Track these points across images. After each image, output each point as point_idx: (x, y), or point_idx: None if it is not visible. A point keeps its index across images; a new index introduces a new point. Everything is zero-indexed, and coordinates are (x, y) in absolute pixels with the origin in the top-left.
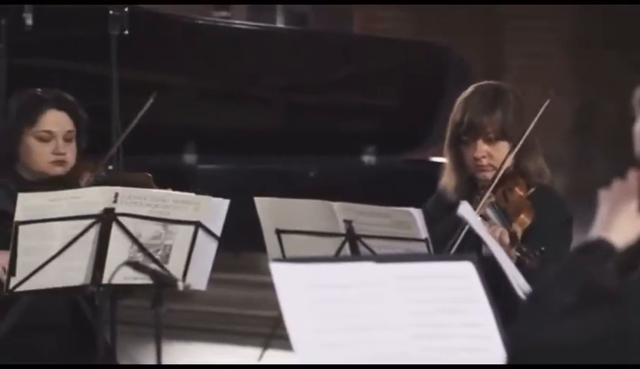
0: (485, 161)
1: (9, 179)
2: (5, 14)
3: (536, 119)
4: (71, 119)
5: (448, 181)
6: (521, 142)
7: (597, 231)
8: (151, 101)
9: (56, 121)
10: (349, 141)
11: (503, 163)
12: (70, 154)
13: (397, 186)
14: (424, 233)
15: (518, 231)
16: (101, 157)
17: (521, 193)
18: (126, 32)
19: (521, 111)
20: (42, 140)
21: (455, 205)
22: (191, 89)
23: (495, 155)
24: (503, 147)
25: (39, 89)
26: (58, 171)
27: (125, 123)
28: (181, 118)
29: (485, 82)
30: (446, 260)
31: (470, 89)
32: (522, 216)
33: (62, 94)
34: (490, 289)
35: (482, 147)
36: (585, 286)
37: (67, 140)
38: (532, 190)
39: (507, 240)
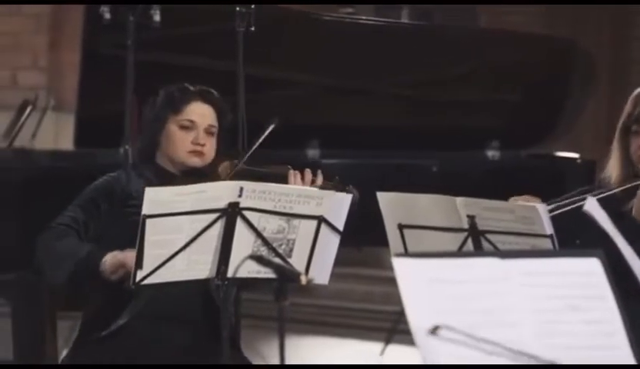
0: None
1: (150, 171)
2: (134, 11)
3: None
4: (215, 113)
5: (611, 170)
6: None
7: None
8: (272, 126)
9: (200, 112)
10: (473, 135)
11: None
12: (209, 147)
13: (521, 181)
14: (549, 229)
15: None
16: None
17: None
18: (252, 29)
19: None
20: (184, 128)
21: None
22: (316, 85)
23: None
24: None
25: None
26: (196, 161)
27: (251, 119)
28: (306, 114)
29: None
30: (571, 256)
31: None
32: None
33: (211, 90)
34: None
35: None
36: None
37: (208, 133)
38: None
39: None
